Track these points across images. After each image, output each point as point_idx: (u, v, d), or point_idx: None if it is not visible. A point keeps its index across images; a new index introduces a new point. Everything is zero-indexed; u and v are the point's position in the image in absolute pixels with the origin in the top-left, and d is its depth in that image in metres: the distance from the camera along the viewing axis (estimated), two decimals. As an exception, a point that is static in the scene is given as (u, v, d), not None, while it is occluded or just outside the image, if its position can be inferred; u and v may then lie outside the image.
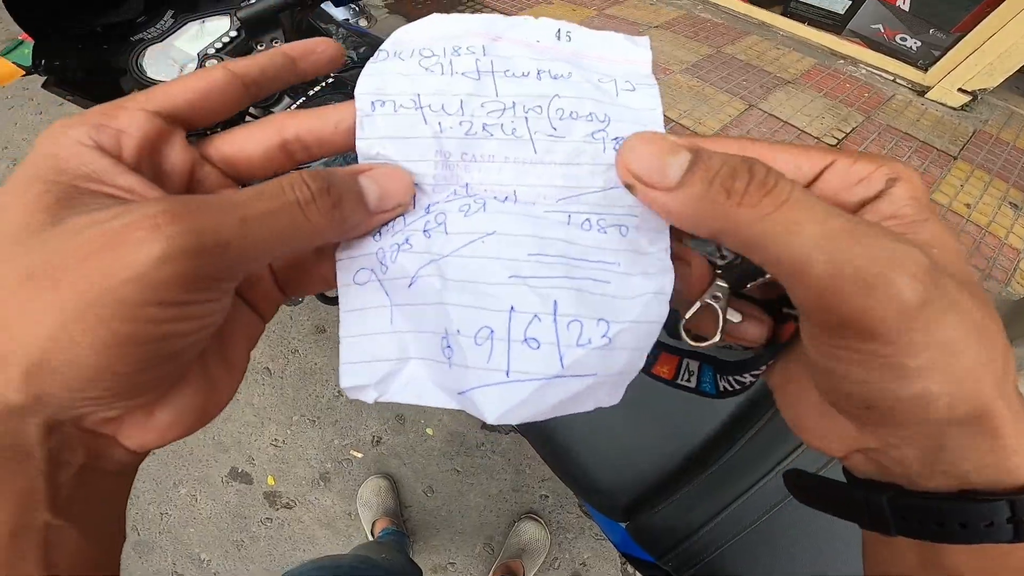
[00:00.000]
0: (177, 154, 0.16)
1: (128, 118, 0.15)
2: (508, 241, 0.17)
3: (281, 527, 1.40)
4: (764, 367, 0.20)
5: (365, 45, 0.89)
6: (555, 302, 0.17)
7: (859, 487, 0.19)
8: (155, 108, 0.15)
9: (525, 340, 0.16)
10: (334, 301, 1.24)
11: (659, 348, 0.21)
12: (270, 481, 1.44)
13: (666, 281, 0.17)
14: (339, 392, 1.55)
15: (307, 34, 0.83)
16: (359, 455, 1.46)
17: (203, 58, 0.84)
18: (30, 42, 0.80)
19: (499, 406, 0.17)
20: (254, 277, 0.19)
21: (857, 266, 0.13)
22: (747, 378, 0.20)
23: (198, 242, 0.13)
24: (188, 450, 1.48)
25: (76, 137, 0.14)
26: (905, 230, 0.15)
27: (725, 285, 0.19)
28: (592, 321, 0.17)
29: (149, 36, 0.88)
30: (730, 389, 0.21)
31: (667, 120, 1.88)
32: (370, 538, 1.35)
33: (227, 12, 0.90)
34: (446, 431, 1.48)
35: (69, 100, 0.81)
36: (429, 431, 1.48)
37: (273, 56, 0.18)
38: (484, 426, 1.47)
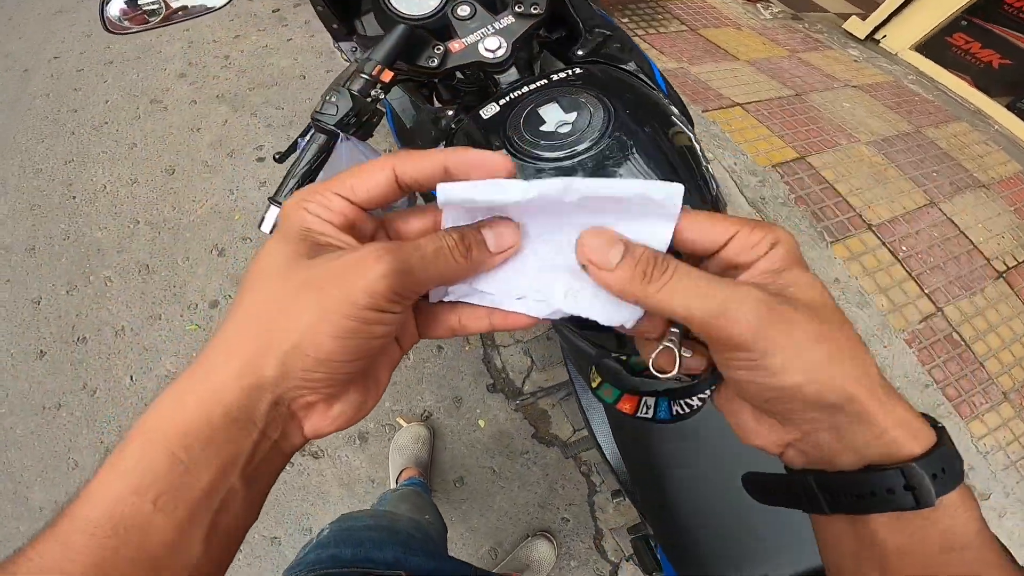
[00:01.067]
0: (366, 223, 0.27)
1: (338, 203, 0.25)
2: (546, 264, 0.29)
3: (299, 475, 1.52)
4: (709, 391, 0.29)
5: None
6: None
7: (794, 475, 0.27)
8: (347, 196, 0.26)
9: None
10: None
11: (623, 390, 0.31)
12: None
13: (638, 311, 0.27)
14: (408, 354, 1.68)
15: None
16: (404, 424, 1.58)
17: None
18: None
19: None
20: (404, 320, 0.28)
21: (717, 306, 0.23)
22: (695, 401, 0.30)
23: (400, 267, 0.22)
24: None
25: (313, 212, 0.25)
26: (774, 278, 0.25)
27: (677, 330, 0.28)
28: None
29: None
30: (682, 412, 0.33)
31: (834, 193, 1.89)
32: (393, 485, 1.46)
33: None
34: (497, 428, 1.57)
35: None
36: (481, 423, 1.58)
37: (435, 168, 0.26)
38: (535, 435, 1.60)
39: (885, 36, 2.98)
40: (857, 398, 0.23)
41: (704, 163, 0.75)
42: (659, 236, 0.26)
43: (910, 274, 1.76)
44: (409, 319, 0.29)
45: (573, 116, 0.70)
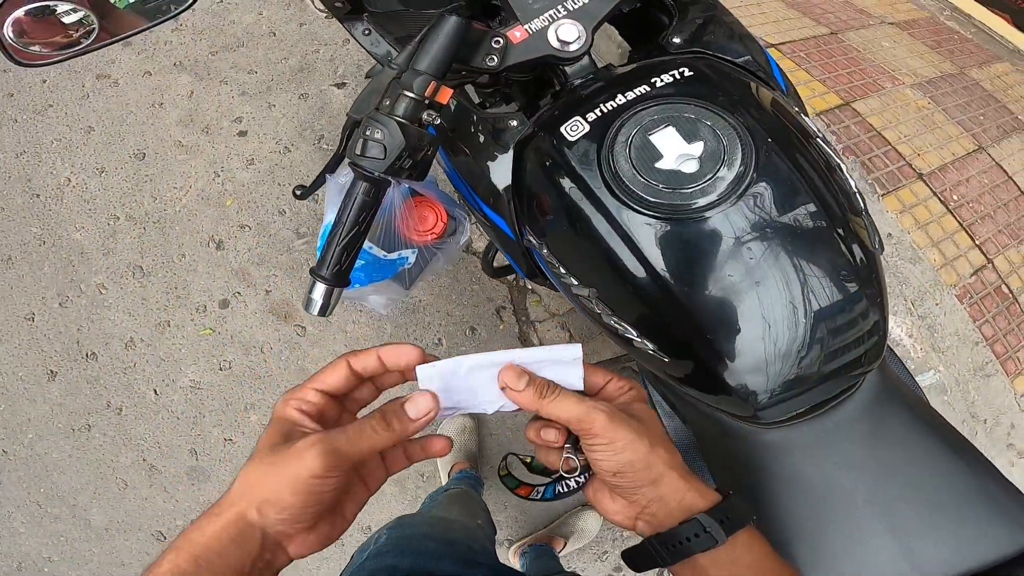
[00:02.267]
0: (332, 410, 0.44)
1: (313, 395, 0.42)
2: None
3: None
4: (583, 478, 0.47)
5: None
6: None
7: (645, 541, 0.43)
8: (321, 388, 0.43)
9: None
10: (503, 272, 1.45)
11: (519, 484, 0.53)
12: None
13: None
14: (439, 339, 1.77)
15: None
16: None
17: None
18: None
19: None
20: (364, 463, 0.45)
21: (584, 413, 0.40)
22: (572, 484, 0.47)
23: (328, 449, 0.37)
24: (267, 370, 1.72)
25: (293, 406, 0.41)
26: (626, 404, 0.44)
27: (570, 444, 0.45)
28: None
29: None
30: (563, 492, 0.49)
31: (884, 142, 1.99)
32: (444, 479, 1.60)
33: None
34: None
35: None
36: None
37: (375, 362, 0.45)
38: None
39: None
40: (667, 474, 0.42)
41: (862, 208, 0.69)
42: (574, 377, 0.45)
43: (961, 224, 1.92)
44: (375, 467, 0.47)
45: (698, 148, 0.61)
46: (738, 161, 0.59)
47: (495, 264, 1.23)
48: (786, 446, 0.71)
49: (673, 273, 0.61)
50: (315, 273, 0.61)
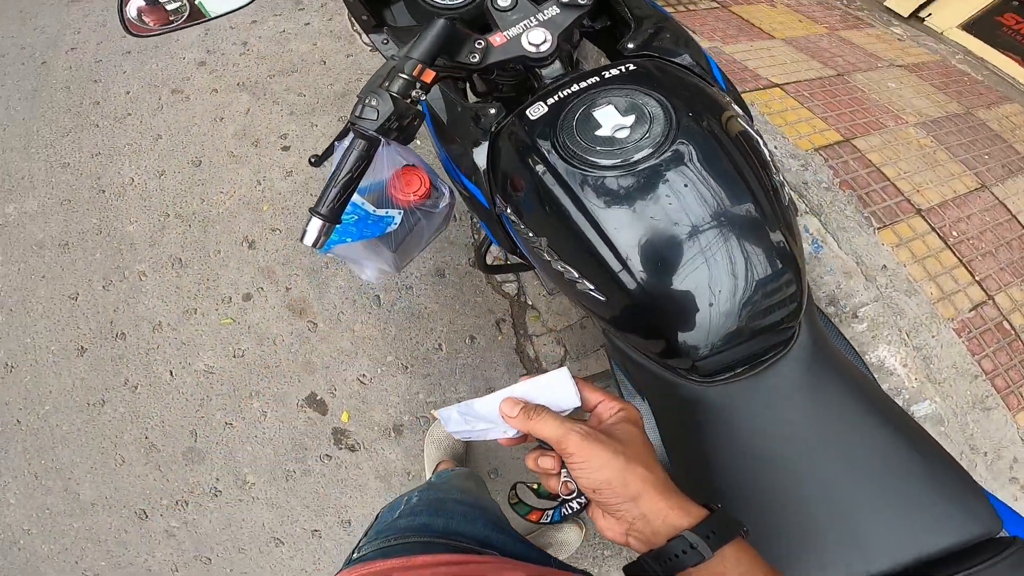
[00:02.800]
0: None
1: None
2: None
3: (338, 468, 1.62)
4: (585, 499, 0.47)
5: None
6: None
7: (639, 558, 0.43)
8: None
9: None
10: (494, 269, 1.42)
11: (530, 510, 0.53)
12: (344, 417, 1.67)
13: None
14: (440, 345, 1.77)
15: None
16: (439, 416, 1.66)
17: None
18: None
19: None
20: None
21: (562, 434, 0.43)
22: (575, 505, 0.48)
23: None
24: (276, 361, 1.75)
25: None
26: (612, 424, 0.46)
27: (565, 469, 0.47)
28: None
29: None
30: (569, 513, 0.48)
31: (882, 177, 1.89)
32: (429, 475, 1.53)
33: None
34: None
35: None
36: None
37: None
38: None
39: (930, 14, 2.95)
40: (646, 492, 0.42)
41: (774, 171, 0.73)
42: (568, 397, 0.48)
43: (961, 260, 1.77)
44: None
45: (631, 120, 0.68)
46: (660, 130, 0.66)
47: (488, 261, 1.33)
48: (728, 405, 0.72)
49: (605, 219, 0.66)
50: (313, 210, 0.67)
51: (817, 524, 0.65)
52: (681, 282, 0.64)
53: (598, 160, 0.66)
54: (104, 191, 2.16)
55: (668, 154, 0.65)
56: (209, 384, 1.74)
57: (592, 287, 0.70)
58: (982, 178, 1.99)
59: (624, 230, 0.65)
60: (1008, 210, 1.91)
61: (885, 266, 1.71)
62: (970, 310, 1.69)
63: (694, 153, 0.65)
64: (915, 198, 1.87)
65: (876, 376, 1.51)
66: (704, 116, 0.69)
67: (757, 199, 0.66)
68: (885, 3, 3.05)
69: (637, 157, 0.65)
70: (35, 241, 2.03)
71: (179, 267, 1.94)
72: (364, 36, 2.98)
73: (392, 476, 1.62)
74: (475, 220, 1.93)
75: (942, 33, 2.89)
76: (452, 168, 0.90)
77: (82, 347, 1.81)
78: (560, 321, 1.81)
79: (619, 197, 0.66)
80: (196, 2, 0.87)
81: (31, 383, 1.76)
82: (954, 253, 1.78)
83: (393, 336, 1.79)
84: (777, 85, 2.15)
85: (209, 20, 0.90)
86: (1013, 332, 1.68)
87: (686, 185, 0.64)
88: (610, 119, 0.68)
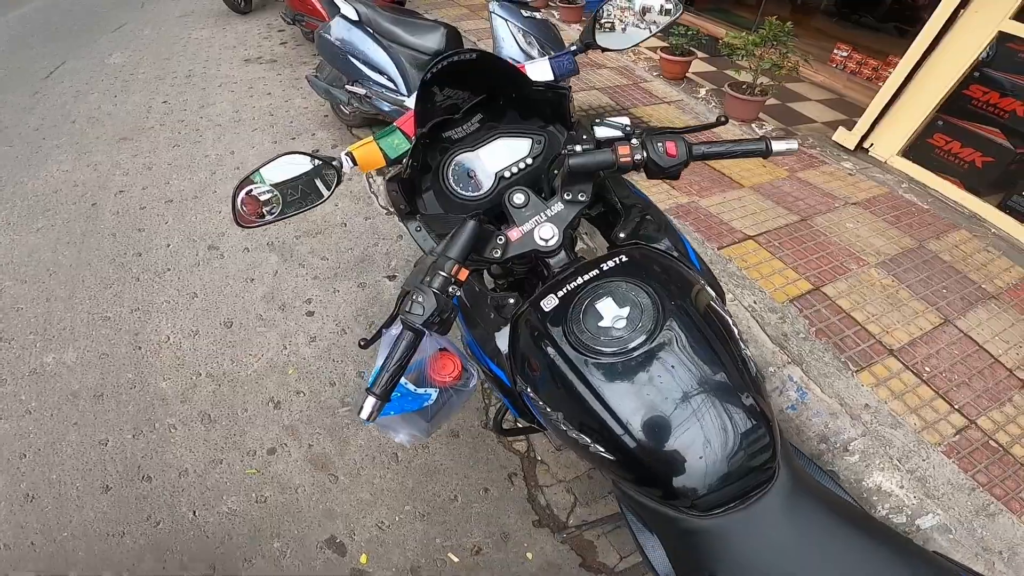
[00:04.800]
0: None
1: None
2: None
3: None
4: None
5: None
6: None
7: None
8: None
9: None
10: (509, 433, 1.49)
11: None
12: (363, 560, 1.64)
13: None
14: (455, 496, 1.77)
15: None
16: (455, 559, 1.63)
17: (499, 178, 1.07)
18: (401, 132, 1.05)
19: None
20: None
21: None
22: None
23: None
24: (298, 507, 1.75)
25: None
26: None
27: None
28: None
29: (458, 136, 1.09)
30: None
31: (853, 322, 1.98)
32: None
33: (529, 135, 1.10)
34: (545, 559, 1.62)
35: (391, 203, 1.06)
36: (529, 555, 1.63)
37: None
38: (582, 564, 1.61)
39: (872, 144, 3.21)
40: None
41: (742, 344, 0.85)
42: None
43: (937, 392, 1.83)
44: None
45: (626, 311, 0.81)
46: (651, 319, 0.79)
47: (504, 426, 1.40)
48: (725, 532, 0.78)
49: (610, 396, 0.77)
50: (370, 391, 0.76)
51: None
52: (676, 441, 0.74)
53: (602, 348, 0.78)
54: (140, 347, 2.23)
55: (658, 340, 0.77)
56: (231, 525, 1.71)
57: (603, 450, 0.78)
58: (944, 312, 2.10)
59: (627, 404, 0.76)
60: (975, 342, 1.99)
61: (867, 404, 1.77)
62: (954, 435, 1.72)
63: (678, 337, 0.78)
64: (886, 339, 1.96)
65: (875, 499, 1.57)
66: (684, 303, 0.83)
67: (729, 370, 0.78)
68: (833, 137, 3.34)
69: (633, 345, 0.77)
70: (71, 391, 2.07)
71: (208, 422, 1.97)
72: (379, 200, 3.25)
73: None
74: (487, 387, 1.99)
75: (885, 162, 3.12)
76: (477, 350, 1.01)
77: (107, 485, 1.80)
78: (568, 472, 1.82)
79: (620, 377, 0.77)
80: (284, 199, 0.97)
81: (52, 513, 1.74)
82: (930, 387, 1.83)
83: (411, 488, 1.79)
84: (750, 237, 2.32)
85: (298, 213, 0.99)
86: (1001, 448, 1.70)
87: (673, 365, 0.76)
88: (609, 311, 0.81)
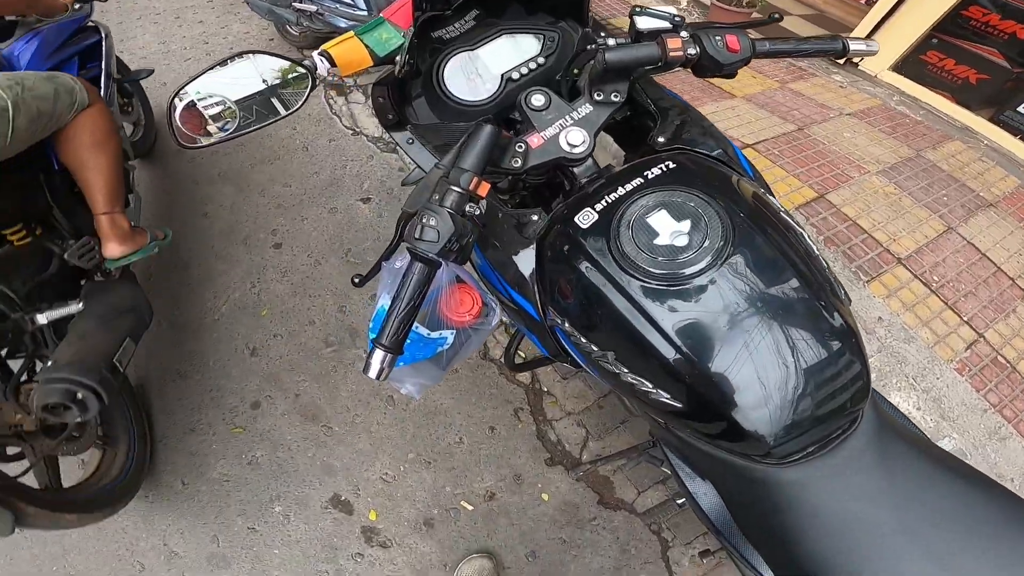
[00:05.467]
0: None
1: None
2: None
3: (371, 566, 1.47)
4: None
5: None
6: None
7: None
8: None
9: None
10: (522, 367, 1.34)
11: None
12: (372, 516, 1.53)
13: None
14: (460, 438, 1.65)
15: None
16: (469, 507, 1.54)
17: (506, 80, 0.91)
18: (390, 25, 0.87)
19: None
20: None
21: None
22: None
23: None
24: (294, 466, 1.60)
25: None
26: None
27: None
28: None
29: (450, 35, 0.93)
30: None
31: (859, 230, 1.92)
32: None
33: (539, 31, 0.95)
34: (561, 500, 1.55)
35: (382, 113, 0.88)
36: (544, 496, 1.55)
37: None
38: (600, 501, 1.56)
39: (862, 59, 3.07)
40: None
41: (825, 264, 0.71)
42: None
43: (946, 303, 1.80)
44: None
45: (687, 225, 0.66)
46: (720, 234, 0.64)
47: (516, 360, 1.25)
48: (804, 482, 0.69)
49: (678, 332, 0.63)
50: (377, 342, 0.62)
51: (912, 572, 0.64)
52: (757, 382, 0.61)
53: (662, 271, 0.64)
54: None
55: (730, 259, 0.63)
56: (226, 491, 1.57)
57: (667, 395, 0.66)
58: (947, 220, 2.05)
59: (699, 339, 0.62)
60: (977, 249, 1.96)
61: (881, 318, 1.72)
62: (965, 349, 1.70)
63: (753, 255, 0.64)
64: (893, 247, 1.89)
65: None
66: (753, 216, 0.68)
67: (815, 293, 0.65)
68: (820, 53, 3.18)
69: (701, 265, 0.63)
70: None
71: (179, 379, 1.76)
72: (350, 130, 2.93)
73: (429, 570, 1.48)
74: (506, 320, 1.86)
75: (876, 76, 3.01)
76: (495, 278, 0.85)
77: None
78: (578, 404, 1.71)
79: (689, 307, 0.63)
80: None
81: None
82: (939, 297, 1.80)
83: (412, 434, 1.66)
84: (748, 146, 2.18)
85: (262, 126, 0.82)
86: (1009, 364, 1.70)
87: (751, 289, 0.62)
88: (666, 226, 0.66)
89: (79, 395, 1.13)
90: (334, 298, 1.96)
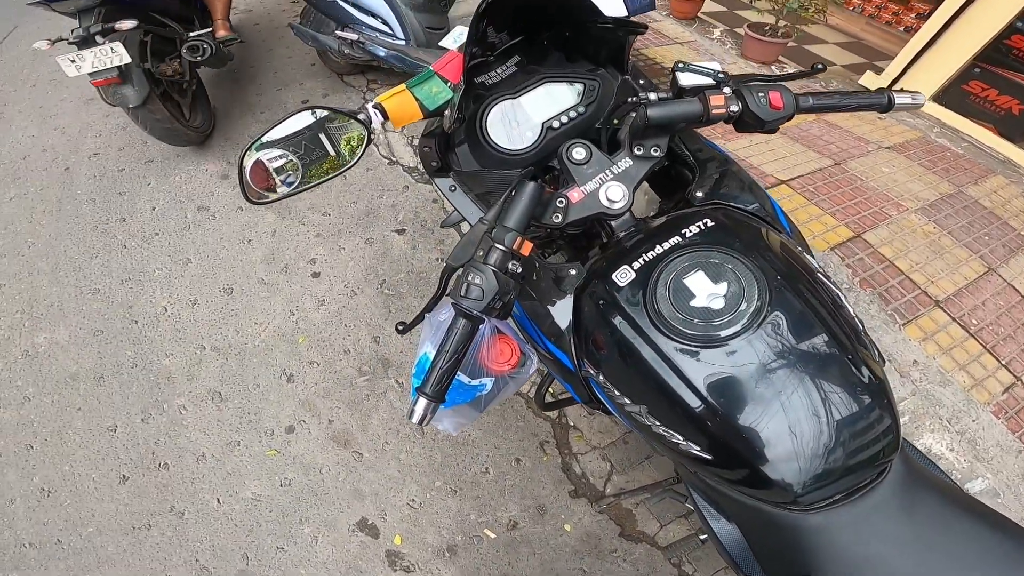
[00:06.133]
0: None
1: None
2: None
3: None
4: None
5: None
6: None
7: None
8: None
9: None
10: (551, 407, 1.36)
11: None
12: (397, 540, 1.56)
13: None
14: (487, 468, 1.67)
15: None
16: (492, 535, 1.56)
17: (546, 129, 0.92)
18: (439, 78, 0.88)
19: None
20: None
21: None
22: None
23: None
24: (324, 489, 1.65)
25: None
26: None
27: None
28: None
29: (491, 81, 0.95)
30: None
31: (896, 271, 1.87)
32: None
33: (579, 79, 0.95)
34: (583, 531, 1.55)
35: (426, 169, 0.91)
36: (567, 527, 1.56)
37: None
38: (621, 534, 1.56)
39: (902, 89, 3.01)
40: None
41: (859, 322, 0.71)
42: None
43: (985, 347, 1.74)
44: None
45: (723, 288, 0.66)
46: (756, 297, 0.65)
47: (547, 400, 1.25)
48: (829, 528, 0.68)
49: (710, 390, 0.64)
50: (421, 391, 0.63)
51: None
52: (786, 438, 0.62)
53: (700, 334, 0.65)
54: (136, 321, 2.06)
55: (766, 323, 0.64)
56: (258, 511, 1.62)
57: (697, 448, 0.67)
58: (987, 261, 1.98)
59: (732, 396, 0.63)
60: (1018, 292, 1.89)
61: (916, 361, 1.67)
62: (1003, 392, 1.64)
63: (787, 318, 0.65)
64: (931, 289, 1.84)
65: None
66: (790, 277, 0.69)
67: (846, 352, 0.66)
68: (859, 80, 3.13)
69: (737, 328, 0.64)
70: (69, 373, 1.92)
71: (219, 401, 1.83)
72: (387, 159, 3.02)
73: None
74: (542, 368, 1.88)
75: (916, 107, 2.96)
76: (532, 328, 0.86)
77: (124, 475, 1.69)
78: (603, 438, 1.72)
79: (723, 368, 0.64)
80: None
81: (71, 507, 1.64)
82: (978, 341, 1.74)
83: (440, 463, 1.69)
84: (783, 182, 2.16)
85: (324, 182, 0.85)
86: None
87: (783, 351, 0.63)
88: (703, 287, 0.67)
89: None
90: (368, 328, 2.01)
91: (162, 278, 2.21)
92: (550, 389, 1.29)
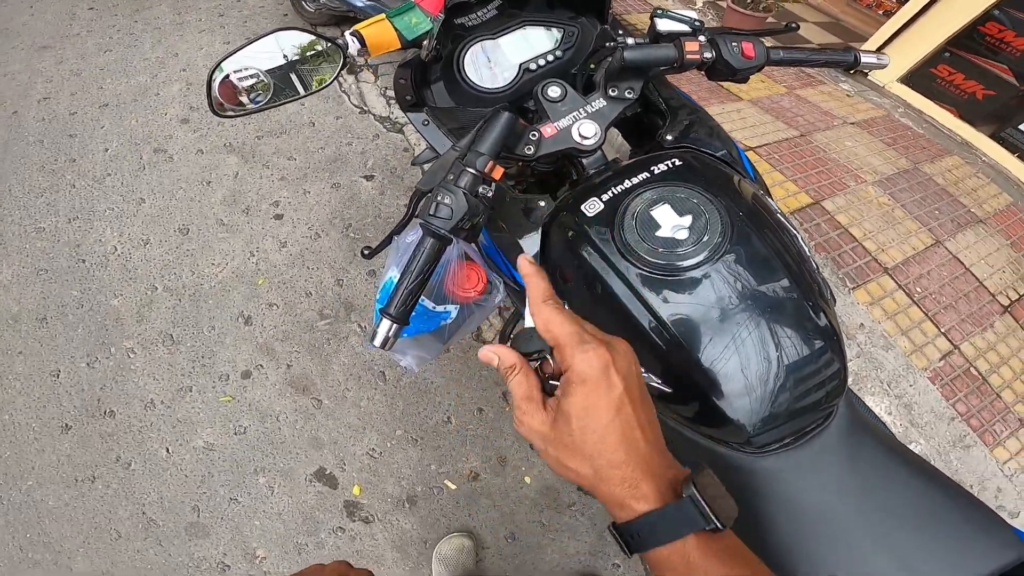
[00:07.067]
0: None
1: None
2: None
3: (352, 540, 1.49)
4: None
5: None
6: None
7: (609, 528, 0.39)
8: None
9: None
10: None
11: None
12: (356, 491, 1.54)
13: None
14: (449, 418, 1.67)
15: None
16: (453, 486, 1.56)
17: (523, 70, 0.93)
18: (420, 9, 0.88)
19: None
20: None
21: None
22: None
23: None
24: (281, 437, 1.61)
25: None
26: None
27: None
28: None
29: (472, 23, 0.94)
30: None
31: (850, 238, 1.93)
32: None
33: (559, 25, 0.96)
34: (543, 483, 1.57)
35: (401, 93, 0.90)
36: (527, 479, 1.57)
37: None
38: (579, 488, 1.59)
39: (871, 71, 3.07)
40: (629, 459, 0.39)
41: (813, 264, 0.73)
42: None
43: (927, 315, 1.82)
44: None
45: (688, 220, 0.67)
46: (719, 230, 0.66)
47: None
48: (778, 471, 0.72)
49: (672, 320, 0.65)
50: (384, 312, 0.64)
51: (870, 570, 0.68)
52: (742, 372, 0.64)
53: (661, 260, 0.66)
54: (84, 260, 1.95)
55: (727, 256, 0.65)
56: (210, 461, 1.57)
57: (658, 381, 0.69)
58: (936, 234, 2.06)
59: (691, 328, 0.65)
60: (962, 263, 1.98)
61: (863, 324, 1.74)
62: (940, 359, 1.73)
63: (747, 253, 0.66)
64: (881, 257, 1.91)
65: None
66: (753, 216, 0.70)
67: (803, 292, 0.67)
68: (831, 60, 3.18)
69: (699, 259, 0.65)
70: (10, 314, 1.81)
71: (170, 344, 1.76)
72: (357, 108, 2.91)
73: (409, 546, 1.50)
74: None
75: (884, 87, 3.00)
76: (499, 258, 0.87)
77: (66, 424, 1.61)
78: (566, 389, 1.74)
79: (684, 298, 0.66)
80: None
81: (11, 459, 1.56)
82: (920, 308, 1.82)
83: (401, 411, 1.67)
84: (751, 148, 2.19)
85: (295, 100, 0.84)
86: (980, 377, 1.72)
87: (743, 286, 0.65)
88: (668, 219, 0.68)
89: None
90: (332, 271, 1.95)
91: (112, 217, 2.09)
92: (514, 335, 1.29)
